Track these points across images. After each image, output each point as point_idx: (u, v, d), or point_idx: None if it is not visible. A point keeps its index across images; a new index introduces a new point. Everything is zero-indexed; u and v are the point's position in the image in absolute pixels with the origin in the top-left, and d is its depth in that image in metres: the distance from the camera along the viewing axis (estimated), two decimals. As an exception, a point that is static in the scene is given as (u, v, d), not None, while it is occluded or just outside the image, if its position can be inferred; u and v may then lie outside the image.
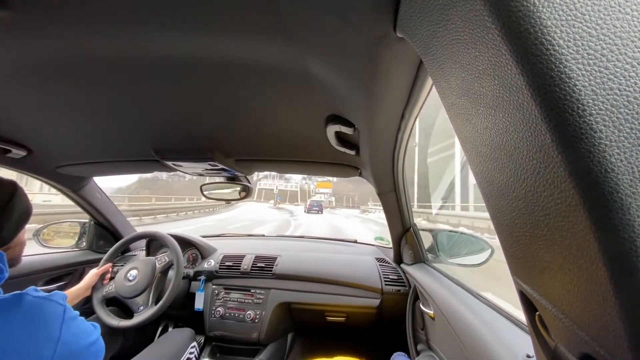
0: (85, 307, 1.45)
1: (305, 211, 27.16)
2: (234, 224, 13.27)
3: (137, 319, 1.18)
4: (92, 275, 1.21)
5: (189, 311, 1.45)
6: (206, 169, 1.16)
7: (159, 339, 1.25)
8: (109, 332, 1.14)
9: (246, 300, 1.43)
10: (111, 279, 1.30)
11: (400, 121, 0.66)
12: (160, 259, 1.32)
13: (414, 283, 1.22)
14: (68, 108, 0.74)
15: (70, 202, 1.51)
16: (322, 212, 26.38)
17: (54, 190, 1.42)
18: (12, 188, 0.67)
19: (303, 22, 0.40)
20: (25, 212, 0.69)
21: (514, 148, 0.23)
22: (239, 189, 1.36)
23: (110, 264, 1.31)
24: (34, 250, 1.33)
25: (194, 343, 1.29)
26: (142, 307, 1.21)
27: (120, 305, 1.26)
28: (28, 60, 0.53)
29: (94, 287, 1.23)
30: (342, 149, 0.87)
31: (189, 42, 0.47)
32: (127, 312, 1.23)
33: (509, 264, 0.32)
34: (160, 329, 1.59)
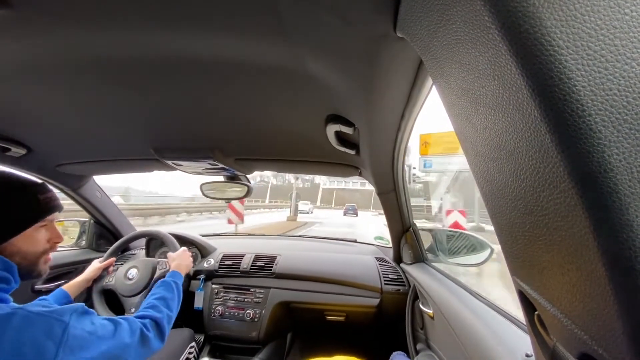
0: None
1: (343, 214, 29.07)
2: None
3: None
4: (94, 268, 1.19)
5: (188, 310, 1.45)
6: (206, 168, 1.16)
7: None
8: None
9: (246, 299, 1.43)
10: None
11: (400, 121, 0.66)
12: (162, 264, 1.28)
13: (413, 282, 1.23)
14: (68, 106, 0.74)
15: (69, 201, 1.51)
16: (357, 215, 28.55)
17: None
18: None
19: (303, 22, 0.40)
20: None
21: (513, 148, 0.23)
22: (238, 188, 1.36)
23: (114, 259, 1.29)
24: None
25: (193, 343, 1.29)
26: (133, 309, 1.18)
27: (114, 300, 1.26)
28: (28, 59, 0.53)
29: (96, 279, 1.22)
30: (342, 149, 0.86)
31: (189, 41, 0.47)
32: (119, 309, 1.22)
33: (508, 263, 0.32)
34: None
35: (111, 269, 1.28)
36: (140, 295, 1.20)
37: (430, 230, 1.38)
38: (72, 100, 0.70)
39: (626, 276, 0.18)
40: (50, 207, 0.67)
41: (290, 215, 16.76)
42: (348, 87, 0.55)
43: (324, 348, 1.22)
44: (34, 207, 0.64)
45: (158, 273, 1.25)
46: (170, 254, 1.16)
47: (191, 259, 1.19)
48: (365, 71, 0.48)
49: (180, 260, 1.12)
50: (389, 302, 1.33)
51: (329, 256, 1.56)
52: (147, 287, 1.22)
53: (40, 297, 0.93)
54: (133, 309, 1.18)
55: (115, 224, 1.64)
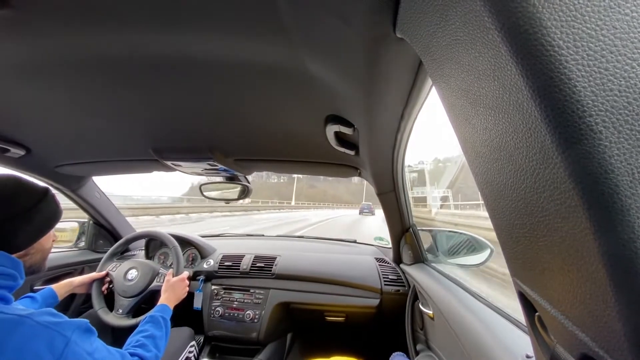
0: (83, 307, 1.45)
1: (359, 213, 29.77)
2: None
3: (109, 318, 1.16)
4: (87, 276, 1.21)
5: (187, 310, 1.45)
6: (205, 169, 1.15)
7: None
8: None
9: (245, 300, 1.43)
10: (110, 283, 1.28)
11: (399, 121, 0.66)
12: (161, 277, 1.26)
13: (413, 283, 1.23)
14: (67, 107, 0.74)
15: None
16: (374, 214, 28.58)
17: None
18: (40, 195, 0.67)
19: (302, 22, 0.40)
20: (48, 218, 0.68)
21: (513, 149, 0.23)
22: (238, 189, 1.36)
23: (106, 272, 1.28)
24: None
25: (193, 342, 1.28)
26: (120, 311, 1.18)
27: (108, 295, 1.26)
28: (27, 59, 0.53)
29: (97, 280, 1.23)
30: (342, 149, 0.86)
31: (188, 41, 0.47)
32: (108, 304, 1.22)
33: (508, 265, 0.32)
34: None
35: (105, 286, 1.27)
36: (132, 299, 1.20)
37: (430, 231, 1.38)
38: (72, 100, 0.70)
39: (627, 277, 0.18)
40: (61, 208, 0.73)
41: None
42: (347, 88, 0.55)
43: (324, 349, 1.22)
44: (55, 208, 0.71)
45: (154, 284, 1.24)
46: (168, 279, 1.14)
47: (187, 289, 1.18)
48: (365, 72, 0.48)
49: (172, 291, 1.10)
50: (388, 302, 1.33)
51: (328, 257, 1.56)
52: (142, 293, 1.22)
53: (28, 294, 0.95)
54: (120, 310, 1.18)
55: (114, 224, 1.64)
